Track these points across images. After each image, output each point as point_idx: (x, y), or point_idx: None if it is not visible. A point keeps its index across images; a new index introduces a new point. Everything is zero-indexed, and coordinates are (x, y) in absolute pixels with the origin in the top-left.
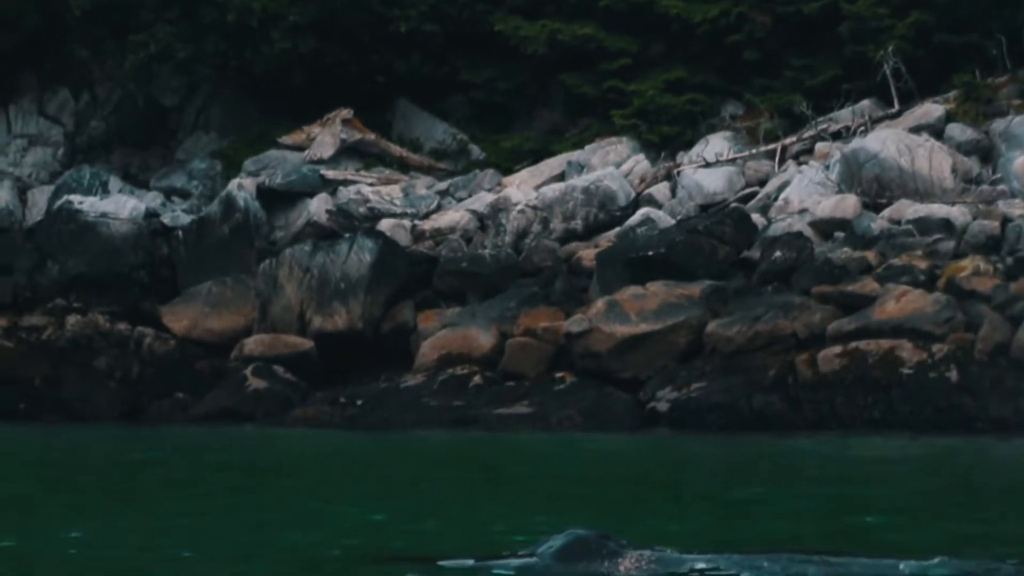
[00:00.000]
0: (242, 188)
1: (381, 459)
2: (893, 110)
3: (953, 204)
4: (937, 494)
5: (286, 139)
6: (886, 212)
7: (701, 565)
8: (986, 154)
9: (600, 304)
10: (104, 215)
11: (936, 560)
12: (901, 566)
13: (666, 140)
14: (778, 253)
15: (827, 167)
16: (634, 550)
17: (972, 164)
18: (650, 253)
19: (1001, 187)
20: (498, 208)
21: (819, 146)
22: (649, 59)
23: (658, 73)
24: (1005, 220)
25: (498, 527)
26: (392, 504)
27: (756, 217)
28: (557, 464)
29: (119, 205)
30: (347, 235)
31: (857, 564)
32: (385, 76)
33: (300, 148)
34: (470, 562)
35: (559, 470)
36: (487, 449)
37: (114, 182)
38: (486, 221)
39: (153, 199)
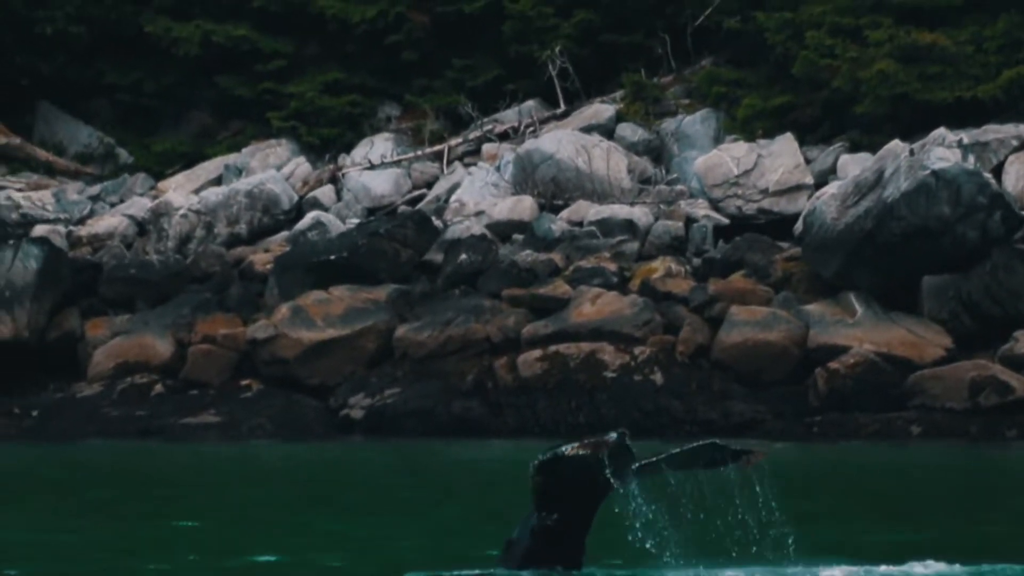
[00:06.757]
0: None
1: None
2: (559, 110)
3: (633, 204)
4: None
5: None
6: (565, 213)
7: None
8: (657, 154)
9: (284, 310)
10: None
11: None
12: None
13: (326, 142)
14: (463, 256)
15: (499, 168)
16: None
17: (646, 164)
18: (332, 257)
19: (679, 187)
20: (159, 213)
21: (486, 147)
22: (305, 60)
23: (315, 74)
24: (689, 220)
25: None
26: None
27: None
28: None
29: None
30: (11, 242)
31: None
32: (29, 78)
33: None
34: None
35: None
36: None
37: None
38: (147, 226)
39: None
